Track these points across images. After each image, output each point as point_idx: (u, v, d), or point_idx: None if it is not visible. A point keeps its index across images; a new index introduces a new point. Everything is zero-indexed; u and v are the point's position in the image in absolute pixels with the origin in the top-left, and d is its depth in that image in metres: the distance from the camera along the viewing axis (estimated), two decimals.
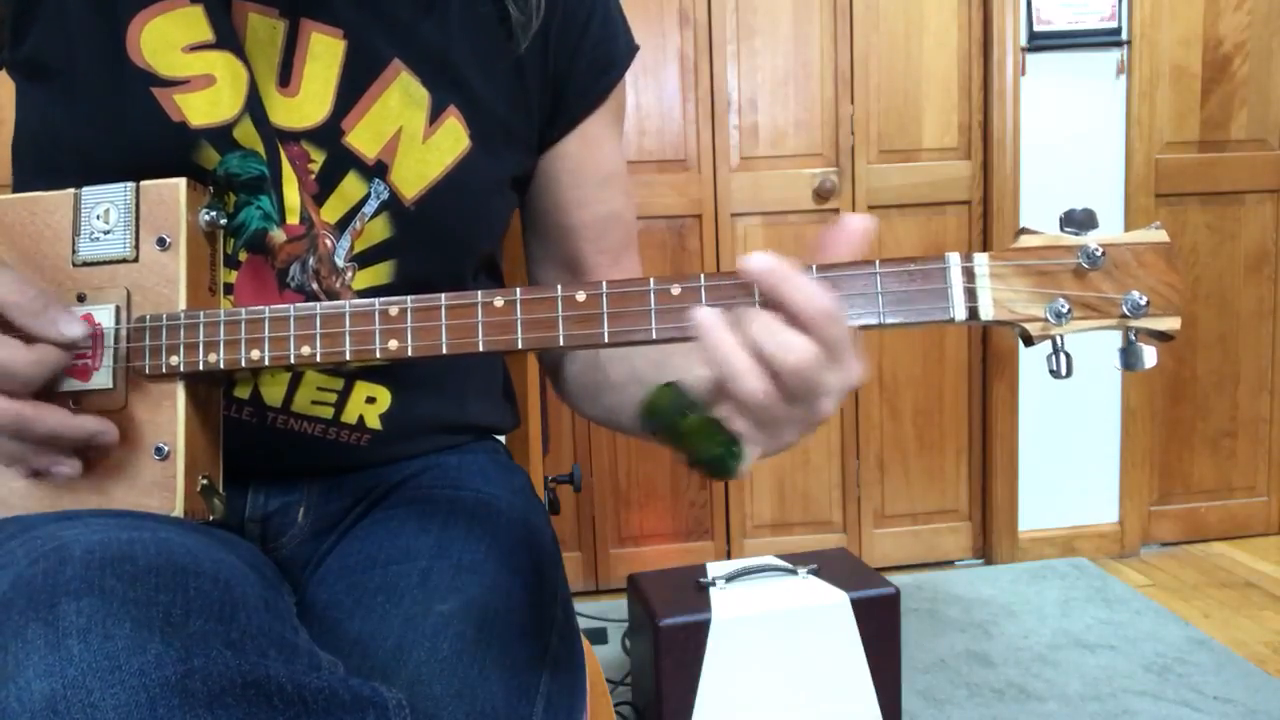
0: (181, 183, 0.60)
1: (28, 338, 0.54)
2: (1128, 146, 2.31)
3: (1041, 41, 2.26)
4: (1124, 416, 2.40)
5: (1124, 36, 2.28)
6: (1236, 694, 1.70)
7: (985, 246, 2.33)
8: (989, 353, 2.38)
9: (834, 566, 1.59)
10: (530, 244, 0.82)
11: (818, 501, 2.40)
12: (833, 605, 1.48)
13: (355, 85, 0.66)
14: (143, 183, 0.60)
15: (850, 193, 2.30)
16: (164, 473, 0.58)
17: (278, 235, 0.64)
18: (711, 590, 1.52)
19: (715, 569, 1.60)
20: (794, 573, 1.57)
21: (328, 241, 0.66)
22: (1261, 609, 2.08)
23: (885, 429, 2.39)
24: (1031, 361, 2.36)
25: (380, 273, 0.68)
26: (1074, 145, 2.31)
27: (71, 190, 0.60)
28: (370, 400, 0.69)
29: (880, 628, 1.50)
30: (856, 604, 1.48)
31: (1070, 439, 2.40)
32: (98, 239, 0.60)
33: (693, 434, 0.49)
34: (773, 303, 0.47)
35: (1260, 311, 2.44)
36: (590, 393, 0.76)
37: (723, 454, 0.49)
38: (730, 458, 0.49)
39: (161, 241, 0.59)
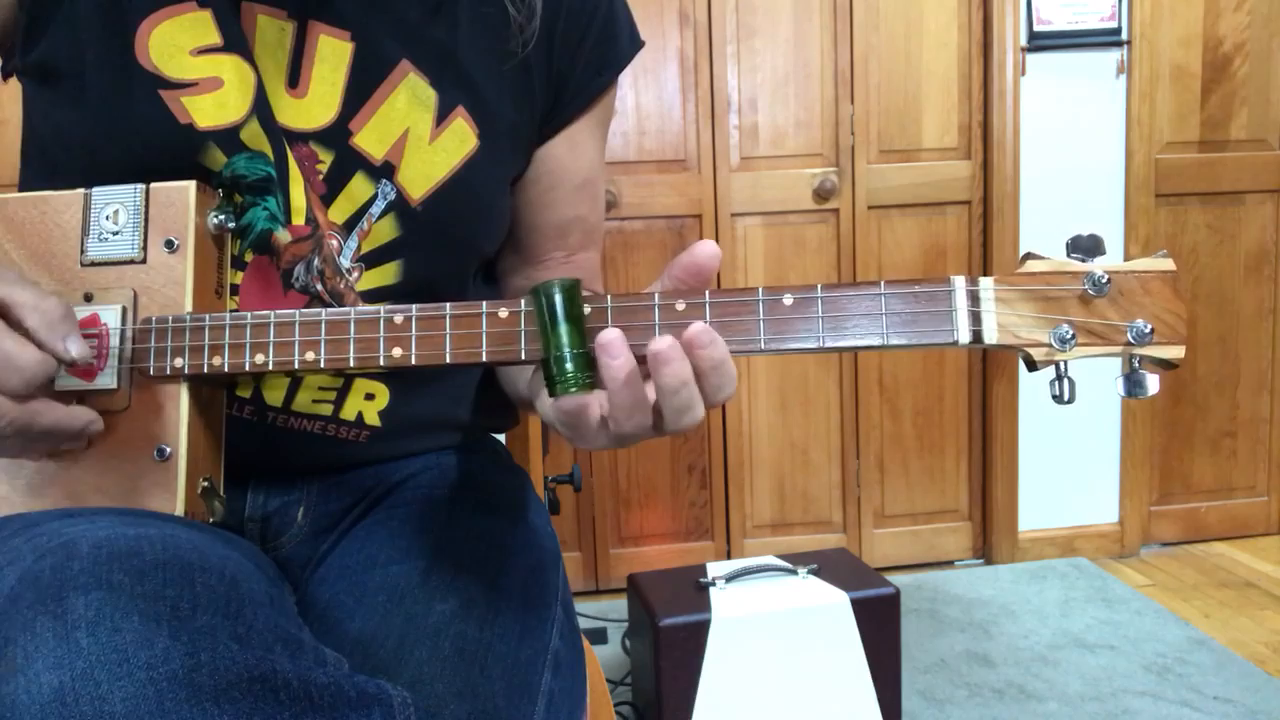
0: (191, 186, 0.60)
1: (38, 345, 0.54)
2: (1128, 146, 2.31)
3: (1041, 41, 2.26)
4: (1124, 416, 2.40)
5: (1124, 36, 2.28)
6: (1236, 694, 1.70)
7: (985, 247, 2.34)
8: (989, 353, 2.38)
9: (834, 566, 1.60)
10: None
11: (818, 501, 2.40)
12: (833, 605, 1.49)
13: (363, 86, 0.66)
14: (152, 185, 0.60)
15: (850, 193, 2.30)
16: (165, 474, 0.58)
17: (283, 236, 0.65)
18: (711, 590, 1.53)
19: (715, 569, 1.60)
20: (794, 573, 1.57)
21: (333, 242, 0.66)
22: (1261, 609, 2.08)
23: (885, 429, 2.39)
24: None
25: (387, 273, 0.68)
26: (1074, 145, 2.32)
27: (82, 190, 0.61)
28: (369, 397, 0.69)
29: (880, 628, 1.50)
30: (856, 604, 1.49)
31: (1070, 439, 2.41)
32: (106, 239, 0.60)
33: (557, 334, 0.50)
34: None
35: (1260, 311, 2.44)
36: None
37: (569, 372, 0.50)
38: (570, 380, 0.50)
39: (169, 244, 0.59)
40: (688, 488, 2.36)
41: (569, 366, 0.50)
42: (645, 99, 2.24)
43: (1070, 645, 1.93)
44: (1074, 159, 2.32)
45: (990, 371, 2.38)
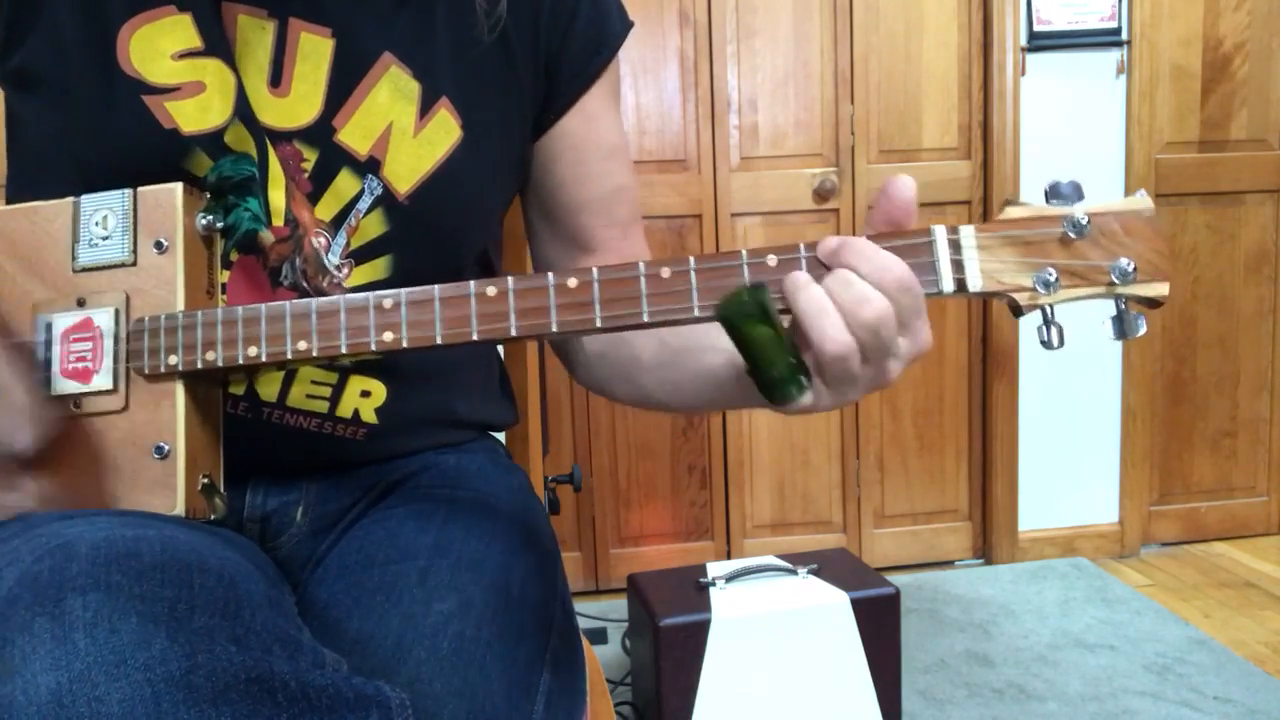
0: (178, 187, 0.60)
1: None
2: (1128, 146, 2.31)
3: (1041, 41, 2.26)
4: (1124, 416, 2.40)
5: (1124, 36, 2.28)
6: (1236, 694, 1.70)
7: None
8: (989, 353, 2.38)
9: (834, 566, 1.60)
10: (535, 224, 0.82)
11: (818, 501, 2.40)
12: (833, 605, 1.49)
13: (344, 83, 0.66)
14: (140, 189, 0.60)
15: (850, 193, 2.30)
16: (164, 472, 0.58)
17: (267, 236, 0.65)
18: (711, 590, 1.53)
19: (715, 569, 1.60)
20: (794, 573, 1.57)
21: (314, 242, 0.66)
22: (1261, 609, 2.08)
23: (885, 429, 2.39)
24: (1031, 362, 2.36)
25: (377, 268, 0.68)
26: (1074, 145, 2.32)
27: (70, 199, 0.61)
28: (365, 394, 0.69)
29: (880, 628, 1.50)
30: (856, 604, 1.49)
31: (1070, 439, 2.41)
32: (97, 245, 0.60)
33: (759, 344, 0.49)
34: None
35: (1260, 311, 2.44)
36: (622, 374, 0.74)
37: (786, 377, 0.49)
38: (792, 384, 0.49)
39: (159, 245, 0.60)
40: (688, 488, 2.36)
41: (780, 380, 0.49)
42: (645, 99, 2.24)
43: (1070, 645, 1.93)
44: (1074, 159, 2.32)
45: (990, 371, 2.38)
